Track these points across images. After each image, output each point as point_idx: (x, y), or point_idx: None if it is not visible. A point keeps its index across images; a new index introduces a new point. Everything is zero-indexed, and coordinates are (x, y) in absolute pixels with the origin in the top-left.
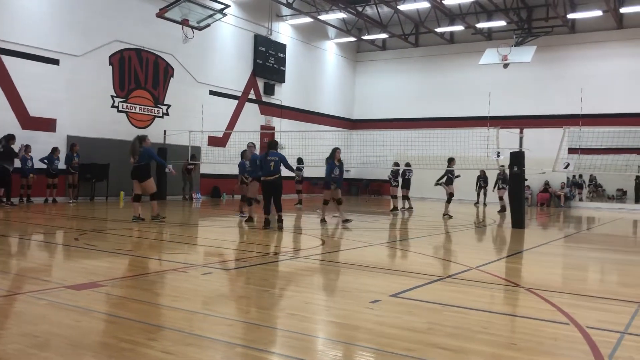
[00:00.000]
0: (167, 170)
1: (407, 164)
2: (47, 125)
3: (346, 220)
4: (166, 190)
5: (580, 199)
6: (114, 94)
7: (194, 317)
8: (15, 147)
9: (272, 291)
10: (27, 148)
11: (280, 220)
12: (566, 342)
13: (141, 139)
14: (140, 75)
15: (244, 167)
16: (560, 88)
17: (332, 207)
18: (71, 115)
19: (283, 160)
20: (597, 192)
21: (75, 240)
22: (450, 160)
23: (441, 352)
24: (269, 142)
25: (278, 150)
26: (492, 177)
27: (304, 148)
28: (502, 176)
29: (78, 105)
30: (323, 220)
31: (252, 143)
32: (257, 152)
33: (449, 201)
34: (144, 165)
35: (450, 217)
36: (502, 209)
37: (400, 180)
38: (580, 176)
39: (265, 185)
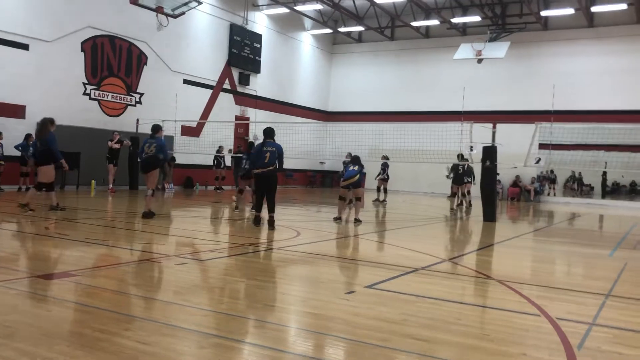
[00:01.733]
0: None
1: (385, 157)
2: (16, 111)
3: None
4: (138, 181)
5: (554, 194)
6: (86, 81)
7: (169, 307)
8: None
9: (247, 282)
10: None
11: (271, 223)
12: (537, 332)
13: (52, 121)
14: (113, 63)
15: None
16: (532, 84)
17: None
18: (41, 102)
19: (279, 151)
20: (582, 189)
21: (46, 229)
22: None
23: (415, 343)
24: (265, 130)
25: (275, 140)
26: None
27: (279, 139)
28: (468, 170)
29: (48, 92)
30: (338, 219)
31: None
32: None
33: (453, 195)
34: (47, 150)
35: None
36: (468, 204)
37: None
38: (552, 171)
39: (258, 179)
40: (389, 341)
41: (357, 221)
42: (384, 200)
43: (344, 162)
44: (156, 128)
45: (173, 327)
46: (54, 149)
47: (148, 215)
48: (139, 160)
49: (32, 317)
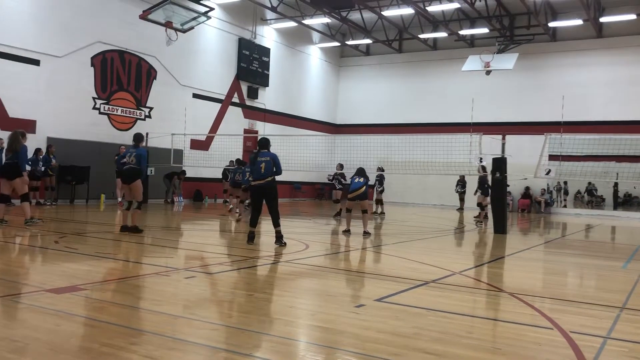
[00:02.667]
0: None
1: (381, 168)
2: (27, 126)
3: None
4: (148, 194)
5: (564, 205)
6: (96, 96)
7: (177, 321)
8: None
9: (256, 295)
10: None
11: (279, 239)
12: (550, 346)
13: (23, 134)
14: (122, 77)
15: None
16: (541, 95)
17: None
18: (51, 117)
19: (275, 160)
20: (596, 200)
21: (55, 243)
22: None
23: (426, 357)
24: (260, 141)
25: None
26: (472, 183)
27: (288, 152)
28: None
29: (58, 107)
30: (347, 231)
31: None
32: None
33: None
34: (16, 163)
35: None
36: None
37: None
38: (565, 183)
39: (254, 192)
40: (401, 356)
41: (366, 234)
42: (382, 212)
43: (334, 174)
44: (139, 138)
45: (181, 341)
46: (22, 162)
47: (133, 230)
48: (116, 169)
49: (40, 332)
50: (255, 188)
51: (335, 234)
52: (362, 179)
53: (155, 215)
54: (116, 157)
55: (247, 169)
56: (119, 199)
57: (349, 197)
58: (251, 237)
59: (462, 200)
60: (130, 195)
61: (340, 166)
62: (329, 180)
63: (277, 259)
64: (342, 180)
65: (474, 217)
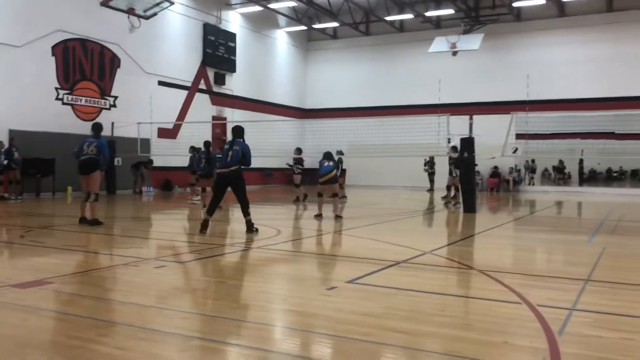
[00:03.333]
0: None
1: (340, 152)
2: None
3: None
4: (115, 185)
5: (532, 183)
6: (58, 86)
7: (147, 311)
8: None
9: (227, 282)
10: None
11: (250, 227)
12: (519, 320)
13: None
14: (85, 66)
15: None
16: (507, 75)
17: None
18: (13, 108)
19: (244, 151)
20: (564, 177)
21: (21, 237)
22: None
23: (398, 336)
24: (234, 129)
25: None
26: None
27: (257, 138)
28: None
29: (19, 98)
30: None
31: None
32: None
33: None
34: None
35: (449, 203)
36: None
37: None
38: (533, 161)
39: (218, 180)
40: (372, 335)
41: (338, 217)
42: (344, 196)
43: (293, 160)
44: (99, 127)
45: (151, 330)
46: None
47: (93, 223)
48: (77, 159)
49: (6, 327)
50: (219, 176)
51: (307, 219)
52: (331, 163)
53: (124, 205)
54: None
55: (203, 155)
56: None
57: (320, 181)
58: (205, 226)
59: (432, 181)
60: (87, 186)
61: (298, 150)
62: (288, 166)
63: (249, 245)
64: (300, 165)
65: (442, 197)
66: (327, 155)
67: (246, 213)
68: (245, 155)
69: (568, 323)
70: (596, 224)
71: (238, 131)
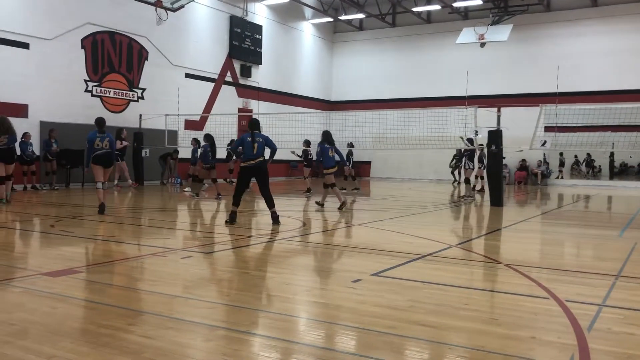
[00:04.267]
0: None
1: (350, 144)
2: (19, 111)
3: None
4: (143, 176)
5: (561, 177)
6: (87, 78)
7: (174, 301)
8: None
9: (252, 273)
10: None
11: (275, 219)
12: (546, 315)
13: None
14: (113, 59)
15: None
16: (536, 66)
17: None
18: (43, 101)
19: (268, 142)
20: (593, 171)
21: (51, 227)
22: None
23: (423, 329)
24: (253, 121)
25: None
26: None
27: (283, 130)
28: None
29: (50, 90)
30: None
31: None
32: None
33: (467, 182)
34: (13, 147)
35: (468, 197)
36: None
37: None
38: (561, 154)
39: (245, 172)
40: (397, 328)
41: (344, 204)
42: (356, 188)
43: (302, 151)
44: (103, 122)
45: (178, 320)
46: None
47: (103, 208)
48: (86, 155)
49: (37, 315)
50: (247, 169)
51: (332, 212)
52: (336, 155)
53: (152, 196)
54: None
55: (208, 148)
56: (116, 182)
57: (330, 172)
58: (233, 218)
59: (459, 174)
60: (102, 177)
61: (307, 143)
62: (299, 157)
63: (274, 237)
64: (309, 156)
65: (474, 190)
66: (331, 145)
67: (272, 205)
68: (271, 144)
69: (597, 319)
70: (627, 218)
71: (256, 123)
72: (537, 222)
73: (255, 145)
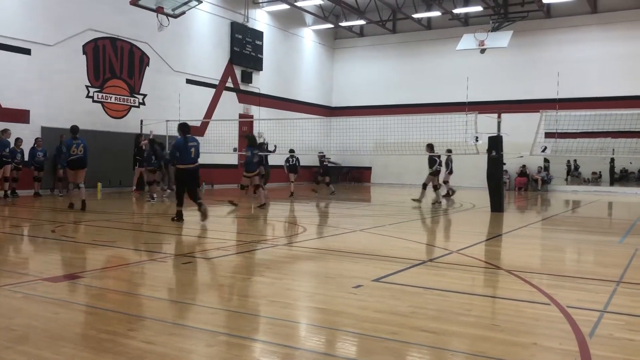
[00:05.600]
0: None
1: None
2: (20, 116)
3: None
4: (144, 181)
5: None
6: (89, 84)
7: (175, 306)
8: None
9: (253, 279)
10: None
11: (202, 207)
12: (547, 322)
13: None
14: (115, 65)
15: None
16: (536, 72)
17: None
18: (45, 106)
19: (199, 146)
20: (579, 175)
21: (52, 232)
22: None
23: (424, 335)
24: (183, 126)
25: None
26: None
27: (283, 136)
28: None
29: (52, 96)
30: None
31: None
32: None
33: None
34: None
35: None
36: (448, 193)
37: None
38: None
39: (184, 174)
40: (398, 334)
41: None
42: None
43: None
44: (77, 129)
45: (180, 326)
46: None
47: (85, 205)
48: (60, 159)
49: (38, 320)
50: (186, 171)
51: (333, 217)
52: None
53: (151, 202)
54: (63, 150)
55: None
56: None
57: (250, 176)
58: (180, 216)
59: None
60: (77, 179)
61: (291, 150)
62: (289, 163)
63: (275, 242)
64: (291, 161)
65: (444, 196)
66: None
67: (199, 198)
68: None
69: (599, 325)
70: (628, 224)
71: (188, 128)
72: (538, 228)
73: (193, 150)
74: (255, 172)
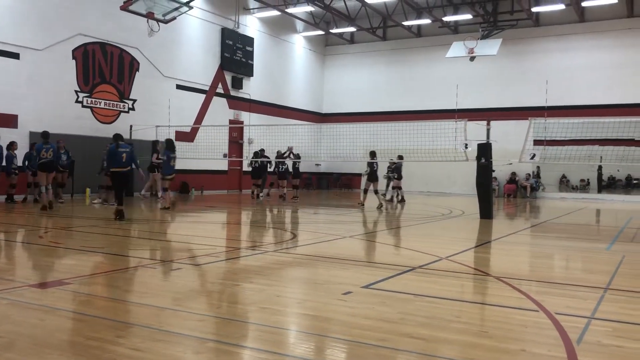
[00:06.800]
0: None
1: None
2: (9, 121)
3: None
4: (133, 187)
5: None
6: (78, 89)
7: (164, 313)
8: None
9: (242, 285)
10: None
11: (122, 215)
12: (536, 328)
13: None
14: (104, 70)
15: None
16: (525, 80)
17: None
18: (33, 111)
19: (132, 152)
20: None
21: (40, 238)
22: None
23: (414, 342)
24: (117, 135)
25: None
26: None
27: (274, 142)
28: (393, 166)
29: (40, 101)
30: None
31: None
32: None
33: (369, 191)
34: None
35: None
36: (397, 199)
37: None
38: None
39: (117, 177)
40: (388, 341)
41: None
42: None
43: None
44: (48, 135)
45: (168, 332)
46: None
47: (52, 205)
48: (27, 163)
49: (24, 327)
50: (119, 174)
51: (324, 223)
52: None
53: (141, 208)
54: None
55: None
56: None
57: (168, 179)
58: (121, 215)
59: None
60: (47, 181)
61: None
62: (279, 169)
63: (265, 249)
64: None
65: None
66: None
67: (122, 202)
68: (134, 157)
69: (587, 332)
70: (616, 231)
71: (121, 136)
72: (527, 234)
73: (124, 155)
74: (173, 175)
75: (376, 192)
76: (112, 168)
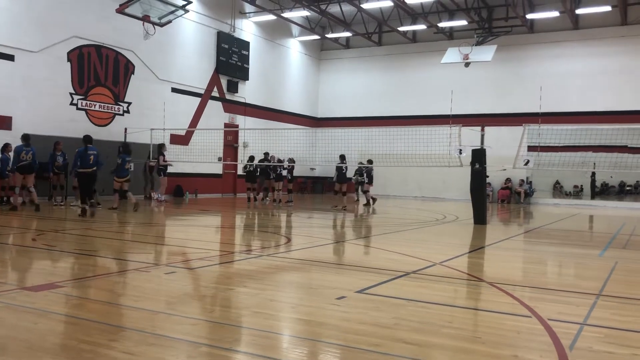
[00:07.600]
0: None
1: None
2: (3, 123)
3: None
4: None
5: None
6: (73, 91)
7: (157, 317)
8: None
9: (236, 289)
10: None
11: (86, 208)
12: (528, 334)
13: None
14: (100, 72)
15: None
16: (520, 86)
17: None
18: (28, 113)
19: (99, 155)
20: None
21: (33, 240)
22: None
23: (407, 347)
24: (86, 137)
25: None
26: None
27: (269, 146)
28: (362, 170)
29: (35, 103)
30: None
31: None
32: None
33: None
34: None
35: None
36: (368, 202)
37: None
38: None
39: (84, 177)
40: (381, 346)
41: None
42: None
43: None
44: (29, 137)
45: (161, 336)
46: None
47: (38, 207)
48: (10, 166)
49: (17, 330)
50: (84, 174)
51: (318, 228)
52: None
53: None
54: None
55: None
56: (162, 197)
57: (121, 181)
58: (84, 212)
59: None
60: (26, 182)
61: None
62: (275, 173)
63: (259, 253)
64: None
65: (364, 205)
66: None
67: (92, 197)
68: (100, 158)
69: (579, 338)
70: (608, 238)
71: (90, 139)
72: (520, 240)
73: (92, 157)
74: (126, 177)
75: (344, 194)
76: (79, 169)
